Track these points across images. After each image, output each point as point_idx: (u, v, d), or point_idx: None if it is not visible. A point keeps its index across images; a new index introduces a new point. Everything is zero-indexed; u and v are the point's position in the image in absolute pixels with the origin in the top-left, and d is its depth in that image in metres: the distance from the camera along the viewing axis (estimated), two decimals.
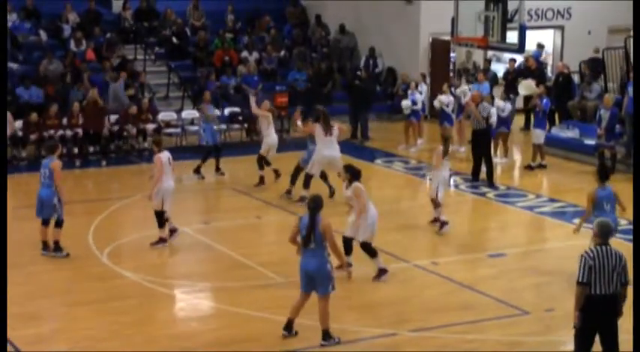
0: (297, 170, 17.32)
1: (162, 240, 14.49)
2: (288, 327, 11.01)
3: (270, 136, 18.28)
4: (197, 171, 19.18)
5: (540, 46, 26.61)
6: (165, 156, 14.39)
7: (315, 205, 10.73)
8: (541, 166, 20.08)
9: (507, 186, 18.89)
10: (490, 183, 18.56)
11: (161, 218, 14.46)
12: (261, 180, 18.29)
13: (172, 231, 14.68)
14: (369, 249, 12.98)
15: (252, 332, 11.29)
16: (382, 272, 13.04)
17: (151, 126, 21.78)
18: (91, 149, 21.30)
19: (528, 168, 20.06)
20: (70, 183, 15.83)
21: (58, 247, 13.97)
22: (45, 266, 13.60)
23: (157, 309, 12.27)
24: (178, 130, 22.62)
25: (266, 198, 17.44)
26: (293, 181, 17.34)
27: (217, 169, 19.36)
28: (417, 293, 12.79)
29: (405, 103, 22.08)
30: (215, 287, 13.13)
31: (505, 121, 20.37)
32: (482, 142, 18.65)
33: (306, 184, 16.75)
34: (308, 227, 10.62)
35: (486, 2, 19.40)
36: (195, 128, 22.74)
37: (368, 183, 16.89)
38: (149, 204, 17.25)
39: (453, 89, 22.11)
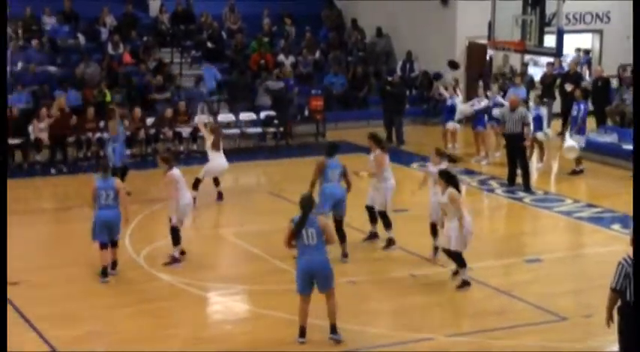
0: (384, 216, 14.72)
1: (175, 260, 13.84)
2: (303, 334, 10.96)
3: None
4: None
5: (586, 52, 26.54)
6: (177, 171, 13.86)
7: (308, 204, 10.82)
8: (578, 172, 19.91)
9: (544, 190, 18.74)
10: (526, 188, 18.41)
11: (178, 235, 13.85)
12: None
13: (183, 253, 14.09)
14: (459, 259, 12.75)
15: (288, 336, 11.25)
16: (465, 283, 12.78)
17: (187, 129, 21.89)
18: (128, 152, 21.44)
19: (573, 173, 19.80)
20: None
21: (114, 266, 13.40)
22: (81, 268, 13.67)
23: (192, 312, 12.29)
24: None
25: None
26: (388, 225, 14.71)
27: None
28: (453, 297, 12.71)
29: (452, 124, 21.90)
30: (250, 290, 13.14)
31: (540, 126, 20.18)
32: (517, 146, 18.52)
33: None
34: (298, 224, 10.67)
35: (524, 5, 19.27)
36: (231, 131, 22.85)
37: (405, 187, 16.90)
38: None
39: (489, 93, 21.92)
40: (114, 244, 13.34)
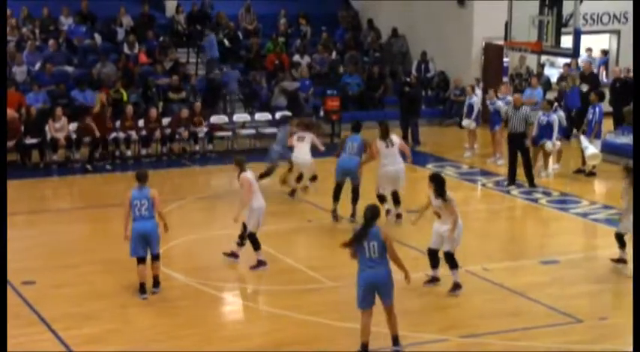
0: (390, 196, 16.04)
1: (261, 263, 13.70)
2: (366, 350, 10.65)
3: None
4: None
5: (604, 53, 26.41)
6: (251, 174, 13.62)
7: (372, 215, 10.54)
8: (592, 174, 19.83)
9: (560, 192, 18.67)
10: (531, 183, 18.53)
11: (256, 240, 13.71)
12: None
13: (235, 255, 14.01)
14: (452, 261, 12.66)
15: (302, 336, 11.28)
16: (457, 286, 12.67)
17: (202, 130, 21.91)
18: (144, 152, 21.51)
19: (586, 173, 19.70)
20: (124, 185, 15.94)
21: (157, 282, 12.79)
22: (97, 268, 13.72)
23: (207, 311, 12.30)
24: (229, 134, 22.72)
25: (317, 202, 17.43)
26: (397, 202, 15.99)
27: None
28: (468, 298, 12.67)
29: (467, 122, 21.73)
30: (265, 290, 13.17)
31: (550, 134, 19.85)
32: (518, 146, 18.48)
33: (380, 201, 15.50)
34: (359, 235, 10.41)
35: (541, 6, 19.18)
36: (246, 131, 22.89)
37: (420, 187, 16.87)
38: (199, 207, 17.34)
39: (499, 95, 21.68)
40: (155, 258, 12.64)
